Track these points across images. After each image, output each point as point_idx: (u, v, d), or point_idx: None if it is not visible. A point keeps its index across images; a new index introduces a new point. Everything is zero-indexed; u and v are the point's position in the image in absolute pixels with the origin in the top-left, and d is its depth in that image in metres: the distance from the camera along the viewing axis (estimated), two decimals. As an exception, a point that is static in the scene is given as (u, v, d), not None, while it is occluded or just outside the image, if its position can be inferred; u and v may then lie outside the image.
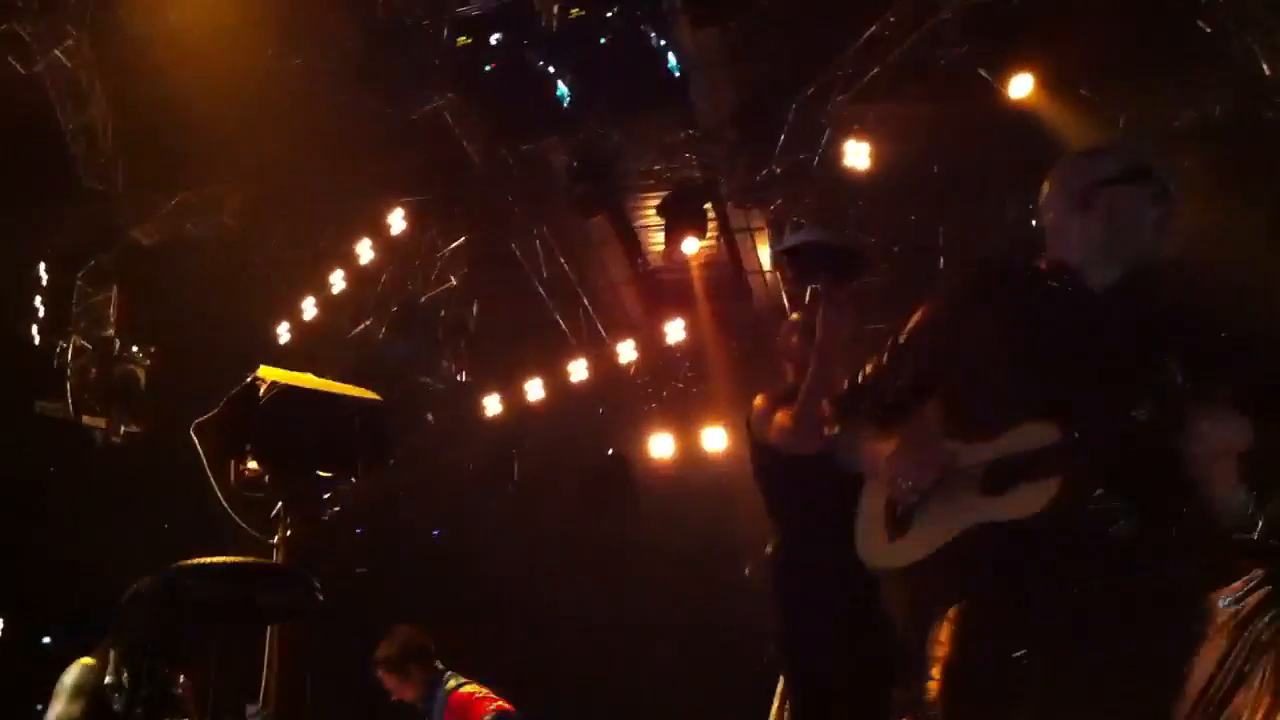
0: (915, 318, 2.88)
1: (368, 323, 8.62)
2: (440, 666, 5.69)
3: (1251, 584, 3.34)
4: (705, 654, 8.30)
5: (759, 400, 4.20)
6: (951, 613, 2.65)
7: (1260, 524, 3.45)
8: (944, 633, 2.64)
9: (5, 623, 6.60)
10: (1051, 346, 2.69)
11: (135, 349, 8.27)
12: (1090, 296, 2.71)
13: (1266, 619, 3.31)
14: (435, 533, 9.35)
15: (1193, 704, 3.07)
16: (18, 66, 7.65)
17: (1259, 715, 3.21)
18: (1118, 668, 2.50)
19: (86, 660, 4.89)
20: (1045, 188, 2.86)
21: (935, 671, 2.65)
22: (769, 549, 3.96)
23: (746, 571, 5.69)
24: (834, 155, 7.11)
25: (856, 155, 6.99)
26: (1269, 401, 2.53)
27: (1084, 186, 2.75)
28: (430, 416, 8.89)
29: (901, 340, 2.87)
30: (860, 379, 2.92)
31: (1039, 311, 2.74)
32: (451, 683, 5.61)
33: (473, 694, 5.56)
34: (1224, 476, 2.54)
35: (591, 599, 8.61)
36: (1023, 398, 2.64)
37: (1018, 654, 2.54)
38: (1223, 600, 3.34)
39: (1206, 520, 2.57)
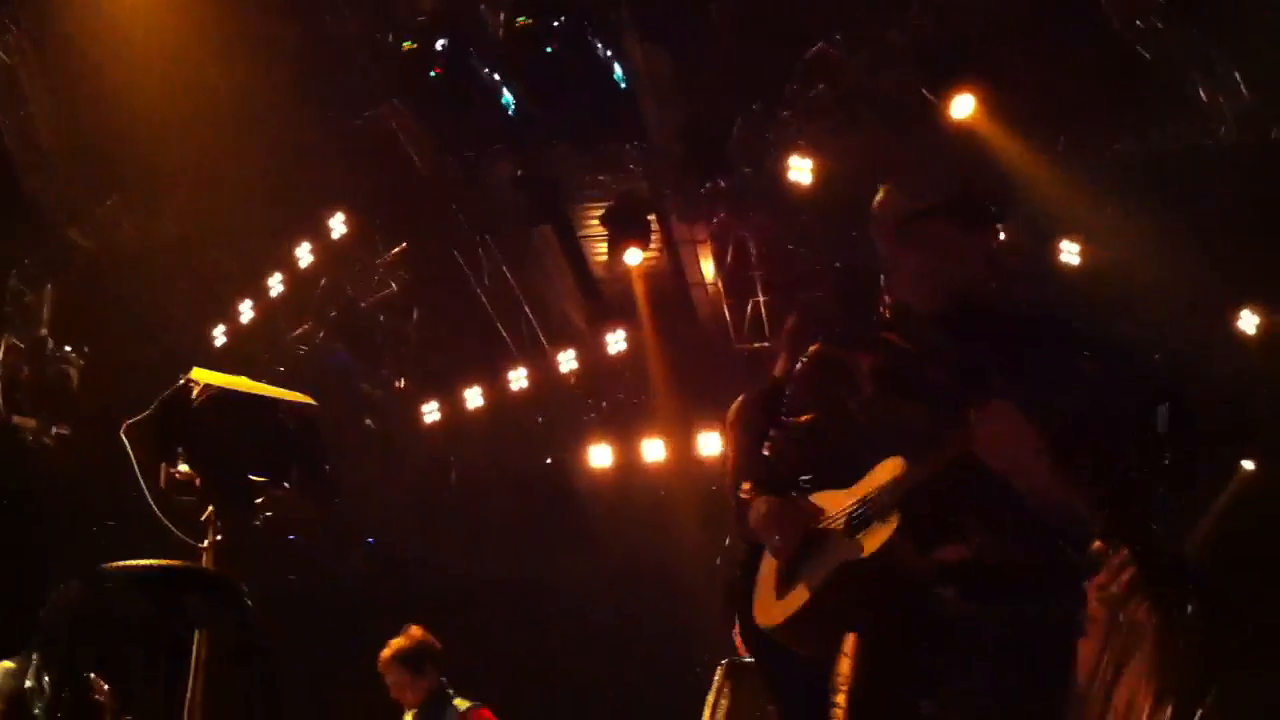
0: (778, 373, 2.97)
1: (305, 327, 8.55)
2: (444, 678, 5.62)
3: (1119, 566, 3.34)
4: (640, 660, 8.30)
5: (741, 400, 4.13)
6: (846, 646, 2.74)
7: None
8: (843, 665, 2.75)
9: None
10: (887, 383, 2.75)
11: (68, 349, 8.15)
12: (919, 328, 2.77)
13: (1138, 599, 3.33)
14: (369, 540, 9.27)
15: (1083, 700, 3.13)
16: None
17: (1146, 695, 3.25)
18: (1001, 692, 2.56)
19: (6, 664, 4.82)
20: (872, 221, 2.91)
21: (839, 699, 2.74)
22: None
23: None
24: (778, 170, 7.16)
25: (800, 171, 7.04)
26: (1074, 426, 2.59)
27: (899, 220, 2.80)
28: (368, 422, 8.82)
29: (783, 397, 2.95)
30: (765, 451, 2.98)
31: (875, 351, 2.81)
32: (460, 701, 5.55)
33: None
34: (1032, 480, 2.56)
35: (527, 607, 8.59)
36: (870, 439, 2.72)
37: (906, 687, 2.62)
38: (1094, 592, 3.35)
39: (1032, 529, 2.61)
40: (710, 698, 5.13)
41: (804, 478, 2.89)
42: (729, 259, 8.20)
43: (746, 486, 2.97)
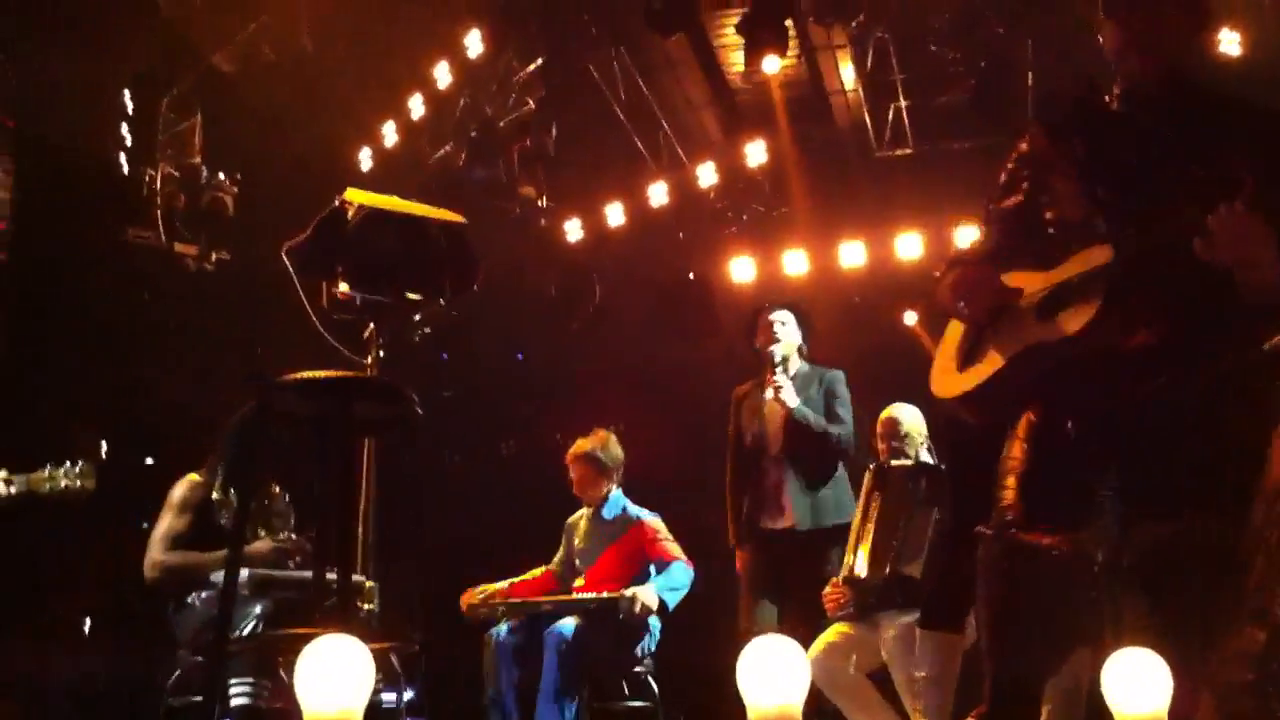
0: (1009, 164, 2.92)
1: (447, 148, 8.62)
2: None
3: None
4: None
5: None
6: (1019, 428, 2.75)
7: None
8: (1015, 448, 2.74)
9: (108, 444, 6.82)
10: (1105, 168, 2.71)
11: (222, 176, 8.36)
12: (1145, 110, 2.71)
13: None
14: (519, 355, 9.48)
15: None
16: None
17: None
18: (1186, 479, 2.55)
19: (193, 476, 5.11)
20: None
21: (1009, 481, 2.76)
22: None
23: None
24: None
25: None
26: None
27: None
28: (512, 241, 8.92)
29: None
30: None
31: (1098, 138, 2.76)
32: (635, 508, 5.91)
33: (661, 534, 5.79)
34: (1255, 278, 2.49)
35: (666, 420, 8.72)
36: (1086, 224, 2.68)
37: (1090, 455, 2.63)
38: None
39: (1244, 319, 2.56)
40: (860, 501, 5.21)
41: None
42: (869, 64, 7.99)
43: (947, 262, 3.01)
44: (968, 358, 2.85)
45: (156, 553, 4.83)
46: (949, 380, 2.89)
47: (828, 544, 5.43)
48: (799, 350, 5.90)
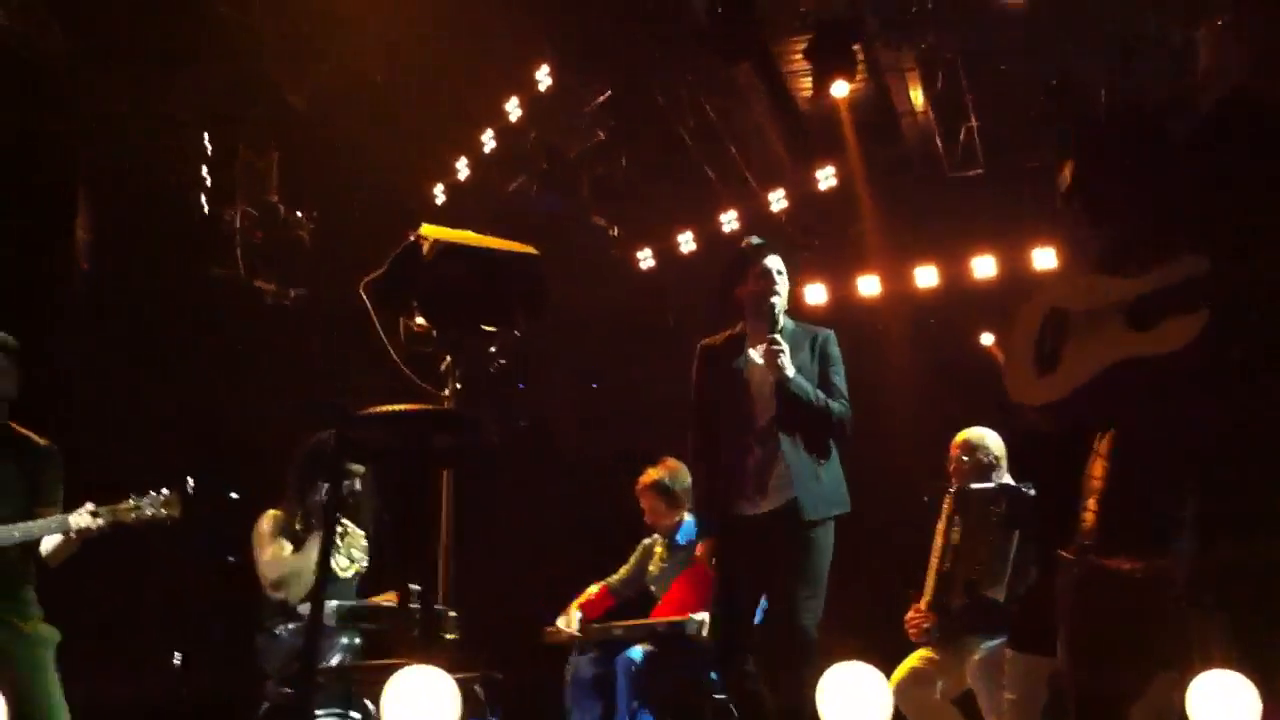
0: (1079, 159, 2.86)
1: (519, 180, 8.71)
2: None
3: None
4: (861, 491, 8.32)
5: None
6: (1101, 446, 2.69)
7: None
8: (1096, 467, 2.69)
9: (194, 480, 6.93)
10: (1198, 175, 2.65)
11: (298, 213, 8.52)
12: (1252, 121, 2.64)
13: None
14: (593, 385, 9.51)
15: None
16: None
17: None
18: (1272, 478, 2.49)
19: (274, 511, 5.21)
20: None
21: (1090, 503, 2.70)
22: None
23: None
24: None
25: (1012, -16, 6.75)
26: None
27: None
28: (584, 271, 8.99)
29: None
30: None
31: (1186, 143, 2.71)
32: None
33: None
34: None
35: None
36: (1176, 230, 2.61)
37: (1173, 478, 2.57)
38: None
39: None
40: (940, 525, 5.17)
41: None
42: (938, 84, 7.95)
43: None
44: (1048, 360, 2.74)
45: (270, 573, 4.93)
46: (1027, 384, 2.78)
47: (823, 537, 4.70)
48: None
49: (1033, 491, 4.99)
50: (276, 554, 4.99)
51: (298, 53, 8.41)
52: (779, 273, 4.86)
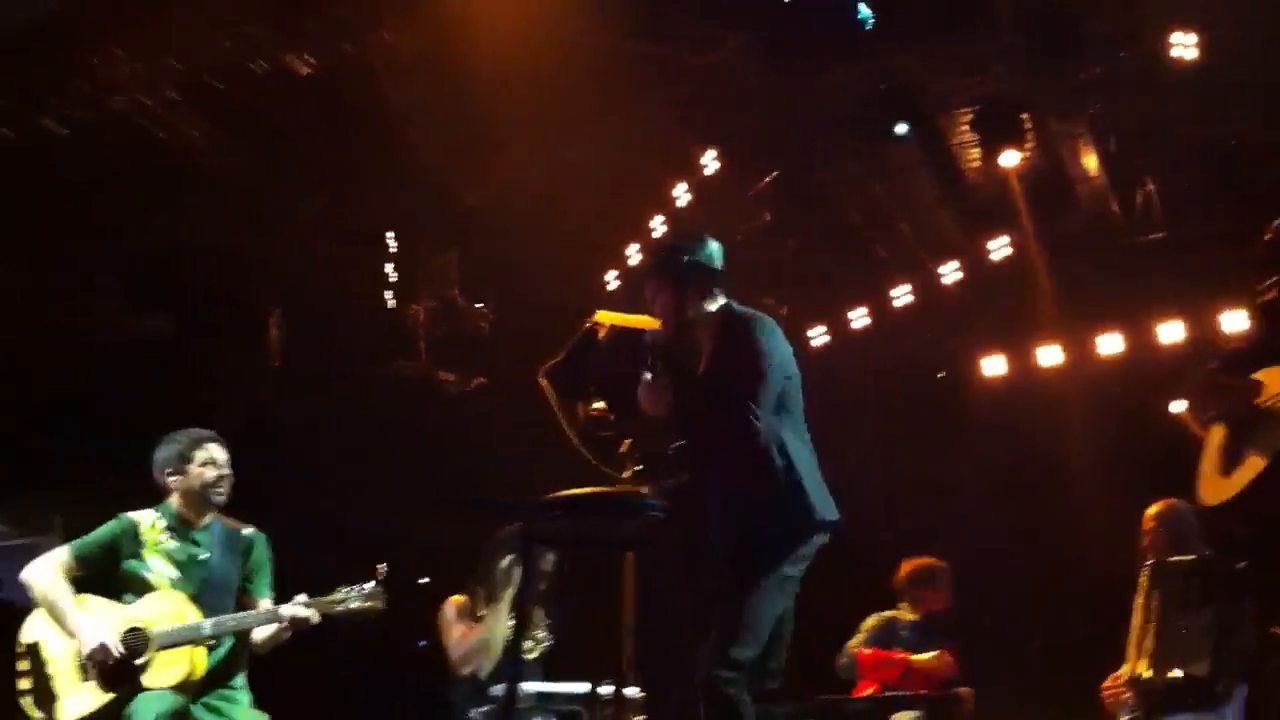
0: None
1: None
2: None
3: None
4: (1048, 568, 8.11)
5: None
6: None
7: None
8: None
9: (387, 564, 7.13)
10: None
11: (478, 304, 8.80)
12: None
13: None
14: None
15: None
16: (349, 47, 8.24)
17: None
18: None
19: (457, 598, 5.37)
20: None
21: None
22: None
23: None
24: (1158, 49, 6.76)
25: (1184, 47, 6.61)
26: None
27: None
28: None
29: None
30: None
31: None
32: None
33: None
34: None
35: (926, 521, 8.56)
36: None
37: None
38: None
39: None
40: (1139, 600, 5.03)
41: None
42: (1111, 149, 7.82)
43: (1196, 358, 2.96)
44: (1231, 462, 2.73)
45: (459, 651, 5.08)
46: (1214, 487, 2.79)
47: None
48: None
49: (1241, 565, 4.81)
50: (463, 633, 5.13)
51: (470, 154, 8.74)
52: None
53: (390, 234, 8.89)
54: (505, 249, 8.87)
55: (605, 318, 5.81)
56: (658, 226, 8.74)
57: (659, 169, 8.66)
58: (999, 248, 8.28)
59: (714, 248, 4.40)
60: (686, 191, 8.54)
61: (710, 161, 8.38)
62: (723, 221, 8.64)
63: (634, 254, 8.84)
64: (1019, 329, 8.61)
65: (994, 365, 8.62)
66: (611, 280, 8.93)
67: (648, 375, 4.14)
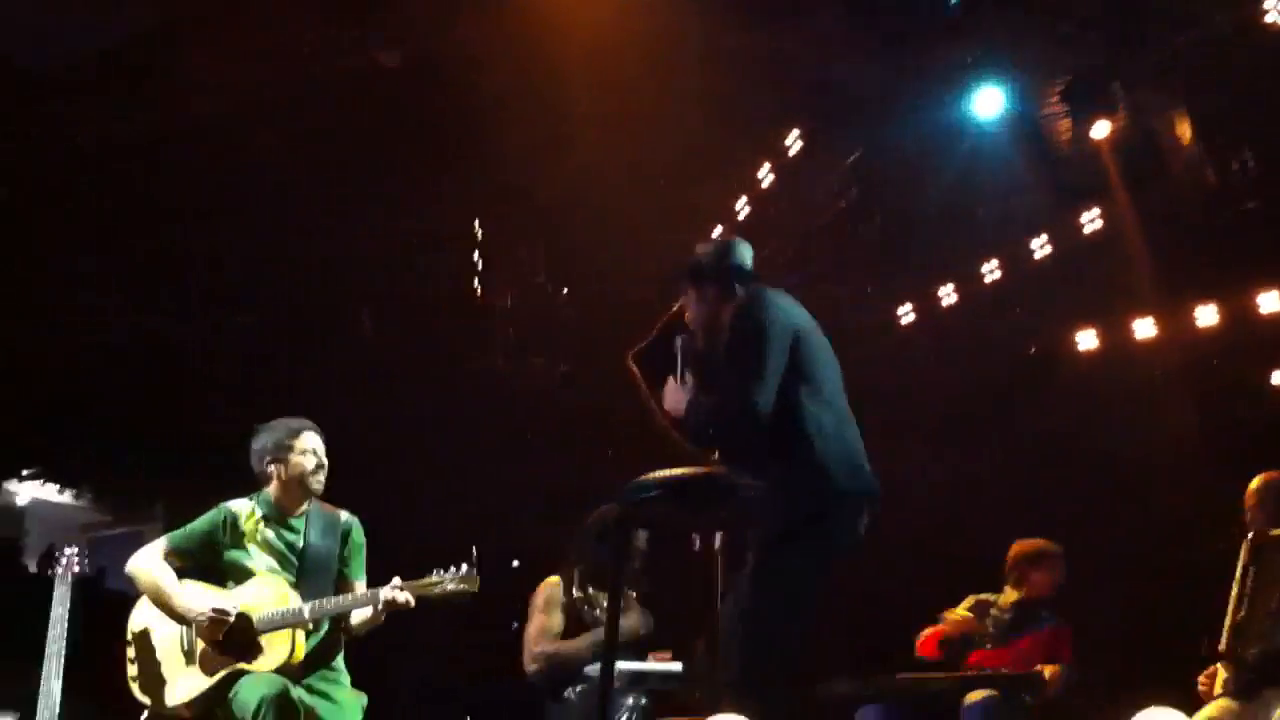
0: None
1: (773, 245, 8.79)
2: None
3: None
4: (1154, 541, 7.96)
5: None
6: None
7: None
8: None
9: (477, 549, 7.24)
10: None
11: (565, 291, 8.87)
12: None
13: None
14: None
15: None
16: (430, 43, 8.37)
17: None
18: None
19: (552, 579, 5.40)
20: None
21: None
22: None
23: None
24: (1252, 14, 6.60)
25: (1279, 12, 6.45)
26: None
27: None
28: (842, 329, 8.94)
29: None
30: None
31: None
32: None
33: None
34: None
35: (1023, 502, 8.47)
36: None
37: None
38: None
39: None
40: (1237, 574, 4.94)
41: None
42: (1205, 116, 7.64)
43: None
44: None
45: (533, 646, 5.13)
46: None
47: None
48: None
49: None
50: (541, 627, 5.15)
51: (552, 143, 8.80)
52: None
53: (476, 223, 8.98)
54: (589, 236, 8.92)
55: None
56: (742, 209, 8.72)
57: (743, 152, 8.65)
58: (1090, 220, 8.13)
59: (744, 250, 4.31)
60: (770, 173, 8.51)
61: (794, 142, 8.36)
62: (808, 201, 8.63)
63: (719, 237, 8.83)
64: (1112, 303, 8.45)
65: (1086, 339, 8.46)
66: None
67: (674, 381, 4.04)
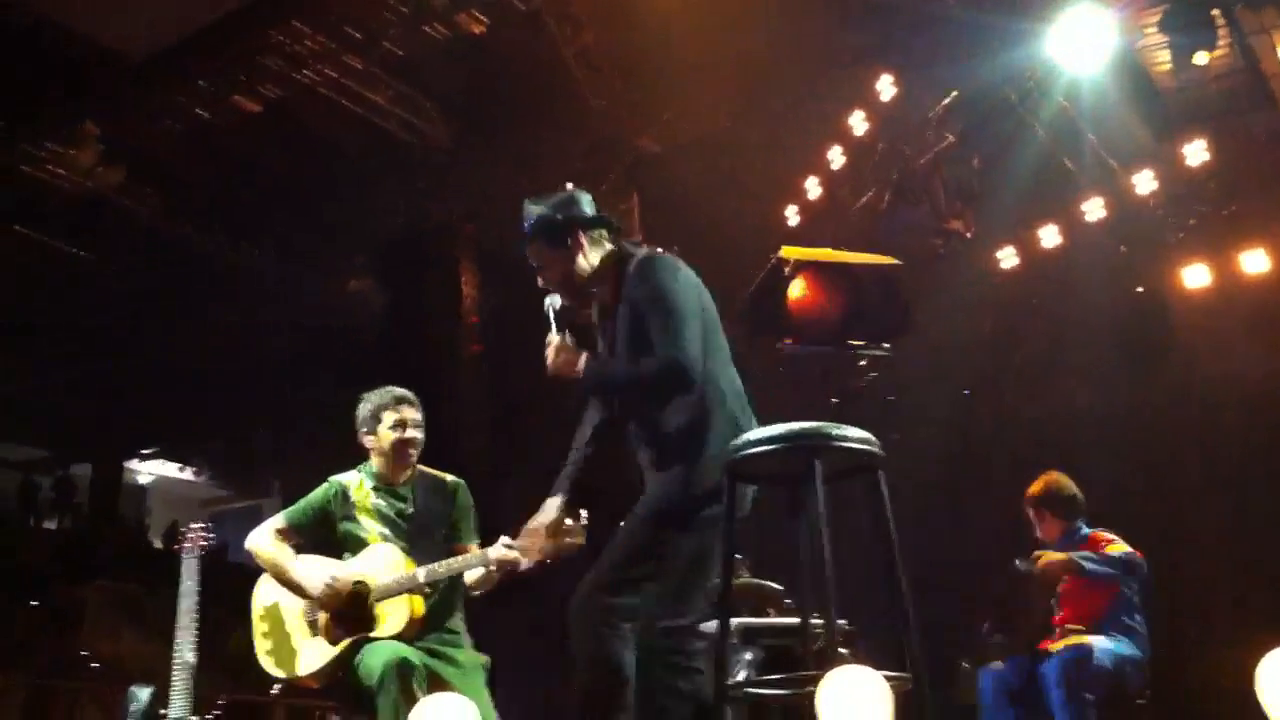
0: None
1: (870, 194, 8.70)
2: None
3: None
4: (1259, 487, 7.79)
5: None
6: None
7: None
8: None
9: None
10: None
11: (675, 247, 8.88)
12: None
13: None
14: (965, 392, 9.31)
15: None
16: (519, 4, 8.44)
17: None
18: None
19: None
20: None
21: None
22: None
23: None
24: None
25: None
26: None
27: None
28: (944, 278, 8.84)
29: None
30: None
31: None
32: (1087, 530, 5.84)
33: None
34: None
35: (1134, 442, 8.32)
36: None
37: None
38: None
39: None
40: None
41: None
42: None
43: None
44: None
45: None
46: None
47: None
48: None
49: None
50: None
51: (646, 99, 8.80)
52: None
53: (569, 185, 9.02)
54: (685, 191, 8.91)
55: (790, 253, 5.83)
56: (836, 158, 8.64)
57: (834, 102, 8.57)
58: (1196, 152, 7.91)
59: (582, 197, 4.19)
60: (864, 120, 8.42)
61: (887, 87, 8.25)
62: (903, 146, 8.52)
63: (813, 188, 8.77)
64: (1222, 237, 8.23)
65: (1196, 276, 8.25)
66: (792, 215, 8.87)
67: (553, 338, 4.00)
